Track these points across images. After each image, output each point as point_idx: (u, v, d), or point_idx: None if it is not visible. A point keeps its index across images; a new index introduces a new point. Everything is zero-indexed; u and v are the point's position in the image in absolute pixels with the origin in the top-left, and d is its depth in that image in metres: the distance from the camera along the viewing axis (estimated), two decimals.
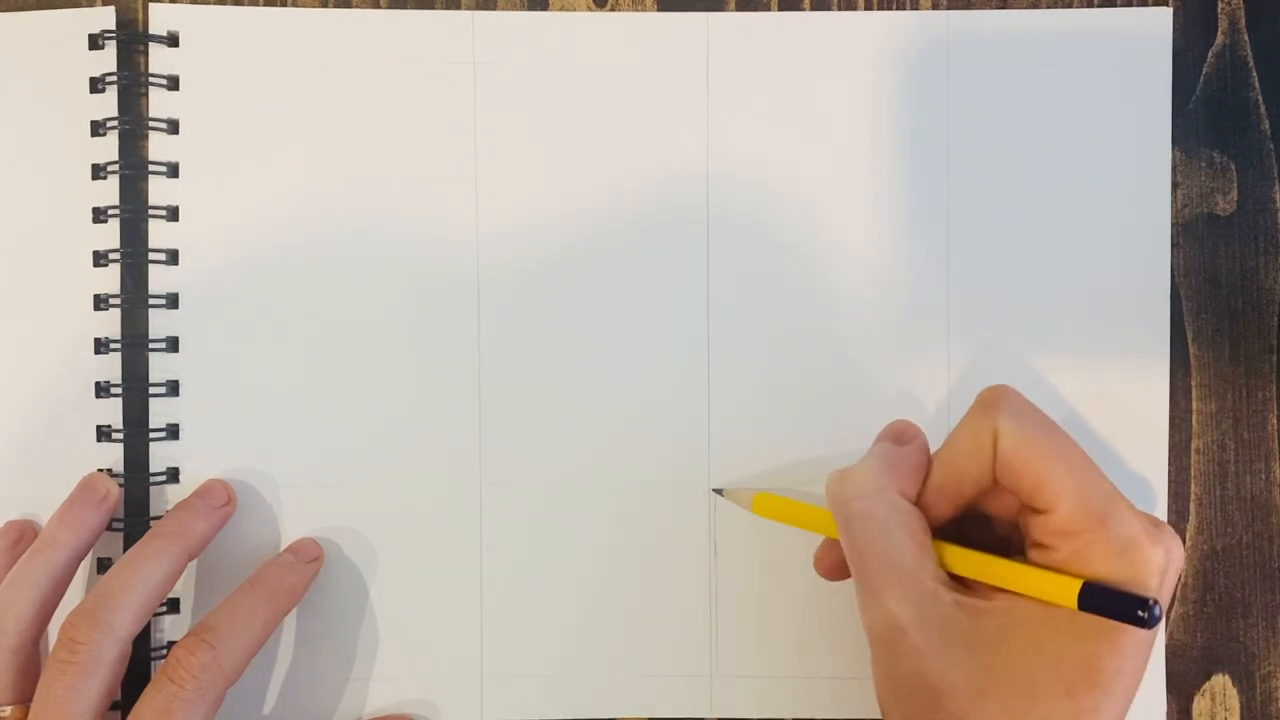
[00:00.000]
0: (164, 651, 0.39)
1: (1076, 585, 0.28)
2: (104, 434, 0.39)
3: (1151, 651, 0.30)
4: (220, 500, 0.38)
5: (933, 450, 0.33)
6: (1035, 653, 0.28)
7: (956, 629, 0.29)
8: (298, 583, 0.37)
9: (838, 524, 0.32)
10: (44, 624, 0.36)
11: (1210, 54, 0.40)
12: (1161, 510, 0.39)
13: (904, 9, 0.40)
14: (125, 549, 0.39)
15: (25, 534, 0.38)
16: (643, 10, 0.40)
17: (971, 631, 0.29)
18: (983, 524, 0.33)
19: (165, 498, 0.39)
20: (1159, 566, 0.28)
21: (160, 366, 0.39)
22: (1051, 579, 0.29)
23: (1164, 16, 0.39)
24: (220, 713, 0.35)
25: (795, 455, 0.39)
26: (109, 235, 0.39)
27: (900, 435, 0.34)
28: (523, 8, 0.40)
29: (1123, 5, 0.39)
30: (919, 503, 0.32)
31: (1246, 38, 0.39)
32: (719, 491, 0.39)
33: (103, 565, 0.39)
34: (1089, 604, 0.28)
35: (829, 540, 0.35)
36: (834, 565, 0.35)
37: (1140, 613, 0.27)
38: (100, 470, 0.39)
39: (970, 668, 0.29)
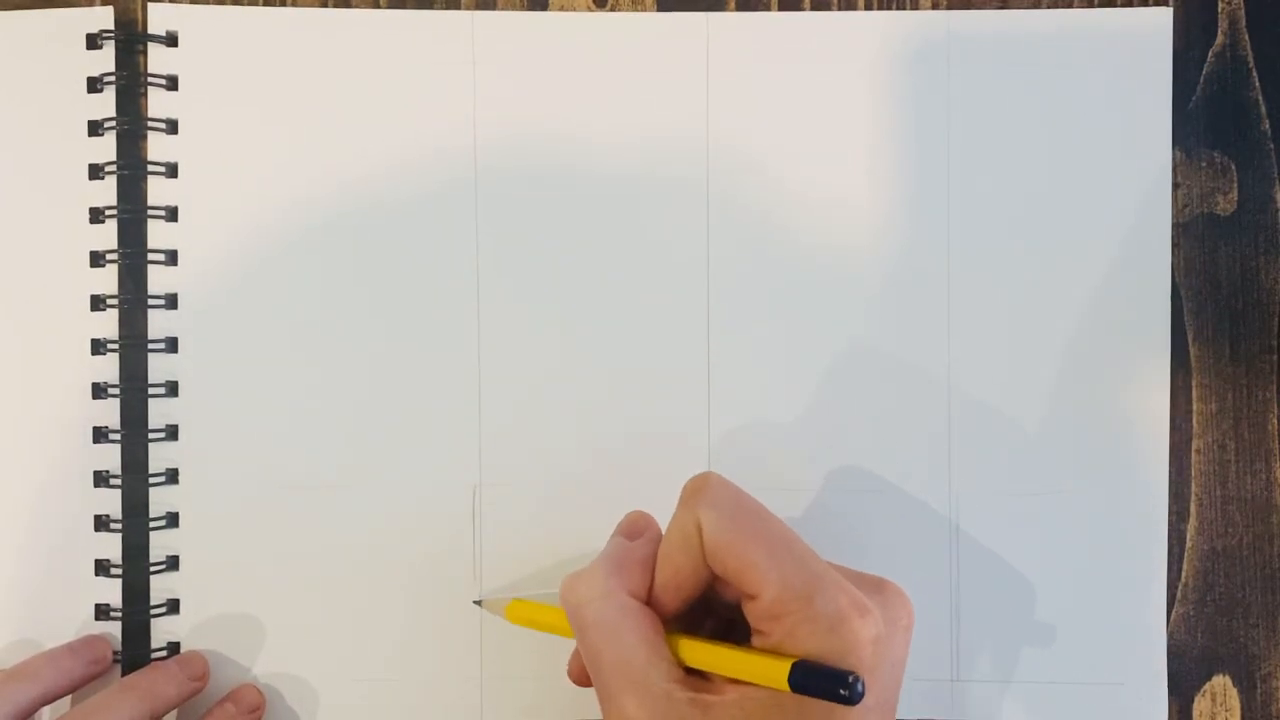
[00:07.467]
0: (164, 652, 0.39)
1: (787, 666, 0.27)
2: (101, 435, 0.39)
3: (893, 714, 0.29)
4: (197, 672, 0.38)
5: None
6: None
7: None
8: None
9: (574, 630, 0.31)
10: None
11: (1210, 54, 0.40)
12: (1162, 510, 0.39)
13: (904, 9, 0.40)
14: (123, 551, 0.39)
15: None
16: (643, 10, 0.40)
17: None
18: (730, 613, 0.32)
19: (165, 499, 0.39)
20: (870, 637, 0.28)
21: (159, 367, 0.39)
22: (765, 662, 0.28)
23: (1164, 16, 0.39)
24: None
25: (792, 456, 0.39)
26: (106, 236, 0.39)
27: (632, 529, 0.33)
28: (523, 8, 0.40)
29: (1123, 5, 0.39)
30: (652, 597, 0.31)
31: (1247, 38, 0.39)
32: (479, 603, 0.39)
33: (100, 567, 0.39)
34: (800, 684, 0.27)
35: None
36: (585, 672, 0.32)
37: (842, 690, 0.26)
38: (100, 465, 0.39)
39: None
